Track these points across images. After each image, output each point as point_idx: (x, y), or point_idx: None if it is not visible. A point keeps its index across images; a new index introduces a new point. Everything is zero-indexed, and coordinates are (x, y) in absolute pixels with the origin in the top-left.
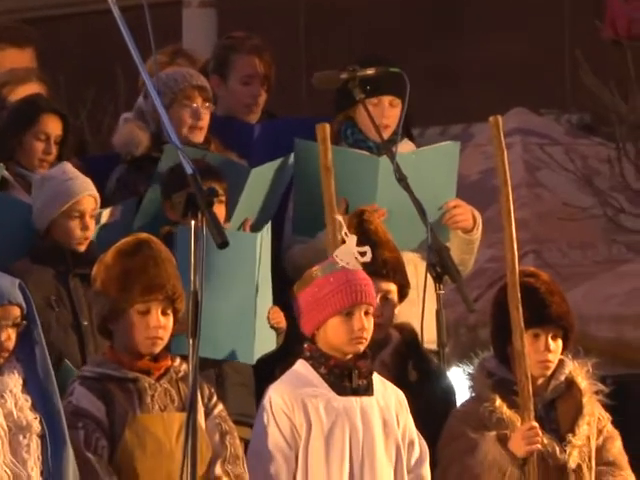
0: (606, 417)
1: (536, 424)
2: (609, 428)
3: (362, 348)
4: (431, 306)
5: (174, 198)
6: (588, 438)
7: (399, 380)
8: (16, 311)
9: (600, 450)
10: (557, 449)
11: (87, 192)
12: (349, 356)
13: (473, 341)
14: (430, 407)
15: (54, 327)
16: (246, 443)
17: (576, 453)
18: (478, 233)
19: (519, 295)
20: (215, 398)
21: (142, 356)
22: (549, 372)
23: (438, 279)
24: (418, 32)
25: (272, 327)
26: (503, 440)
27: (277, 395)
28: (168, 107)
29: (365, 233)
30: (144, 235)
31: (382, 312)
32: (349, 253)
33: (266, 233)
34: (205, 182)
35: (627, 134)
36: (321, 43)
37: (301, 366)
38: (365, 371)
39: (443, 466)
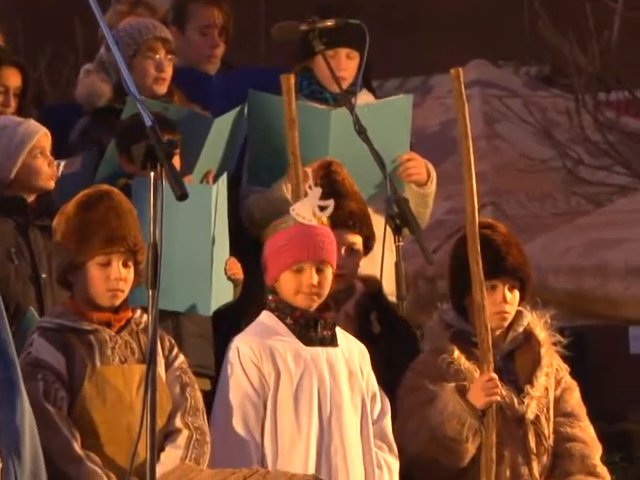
0: (564, 368)
1: (495, 375)
2: (567, 379)
3: (313, 304)
4: (390, 258)
5: (133, 150)
6: (546, 389)
7: (363, 332)
8: None
9: (558, 401)
10: (515, 400)
11: (42, 130)
12: (313, 307)
13: (432, 293)
14: (394, 359)
15: (12, 279)
16: (204, 394)
17: (534, 404)
18: (432, 187)
19: (479, 248)
20: (176, 350)
21: (102, 308)
22: (506, 323)
23: (397, 231)
24: None
25: (229, 279)
26: (462, 391)
27: (245, 345)
28: (131, 58)
29: (332, 184)
30: (105, 187)
31: (346, 264)
32: (308, 207)
33: (222, 184)
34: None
35: (586, 86)
36: None
37: (267, 317)
38: (330, 322)
39: (402, 418)
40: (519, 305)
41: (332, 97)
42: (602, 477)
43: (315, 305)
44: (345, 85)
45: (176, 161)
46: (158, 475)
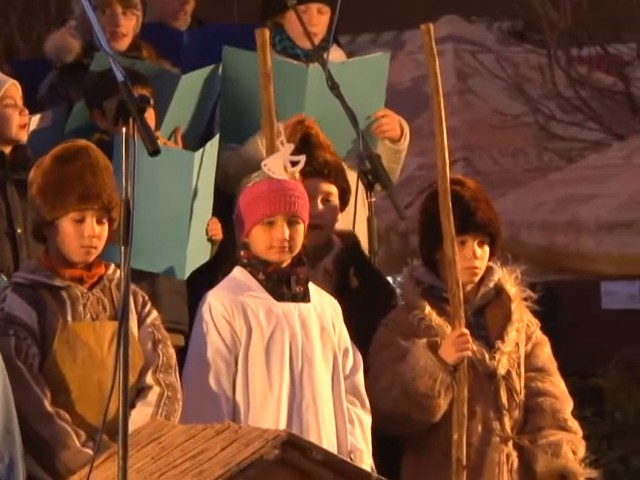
0: (535, 323)
1: (466, 331)
2: (538, 334)
3: (285, 257)
4: (362, 214)
5: (105, 105)
6: (517, 344)
7: (341, 287)
8: None
9: (529, 356)
10: (486, 356)
11: (10, 81)
12: (285, 263)
13: (404, 248)
14: (372, 314)
15: None
16: (178, 350)
17: (505, 360)
18: (405, 143)
19: (450, 202)
20: (149, 306)
21: (75, 264)
22: (477, 278)
23: (369, 187)
24: None
25: (209, 239)
26: (433, 347)
27: (216, 301)
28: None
29: (305, 137)
30: (82, 142)
31: (323, 214)
32: (279, 162)
33: (210, 147)
34: (132, 88)
35: (558, 41)
36: None
37: (239, 273)
38: (302, 278)
39: (374, 374)
40: (489, 261)
41: (303, 53)
42: (573, 431)
43: (287, 259)
44: (317, 40)
45: (151, 115)
46: (129, 431)
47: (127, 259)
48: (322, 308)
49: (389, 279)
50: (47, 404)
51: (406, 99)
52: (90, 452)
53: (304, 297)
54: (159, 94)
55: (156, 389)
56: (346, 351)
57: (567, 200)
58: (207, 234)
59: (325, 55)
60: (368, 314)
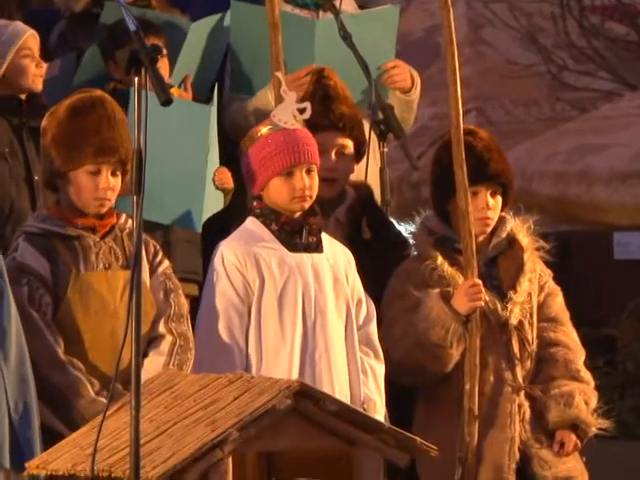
0: (547, 273)
1: (479, 281)
2: (550, 284)
3: (306, 206)
4: (374, 164)
5: (117, 55)
6: (529, 295)
7: (353, 238)
8: None
9: (541, 306)
10: (499, 306)
11: (30, 31)
12: (298, 213)
13: (416, 198)
14: (384, 264)
15: (7, 180)
16: (192, 300)
17: (517, 310)
18: (416, 93)
19: (463, 153)
20: (160, 255)
21: (88, 214)
22: (489, 229)
23: (382, 137)
24: None
25: (218, 188)
26: (446, 297)
27: (229, 251)
28: None
29: (323, 88)
30: (98, 93)
31: (337, 167)
32: (287, 111)
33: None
34: (144, 38)
35: None
36: None
37: (252, 223)
38: (315, 228)
39: (387, 324)
40: (502, 211)
41: (313, 3)
42: (586, 382)
43: (307, 206)
44: None
45: (165, 65)
46: (142, 381)
47: (139, 208)
48: (335, 258)
49: (401, 229)
50: (60, 352)
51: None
52: (104, 401)
53: (317, 247)
54: (169, 43)
55: (168, 338)
56: (359, 301)
57: (580, 150)
58: (214, 183)
59: (337, 3)
60: (380, 265)
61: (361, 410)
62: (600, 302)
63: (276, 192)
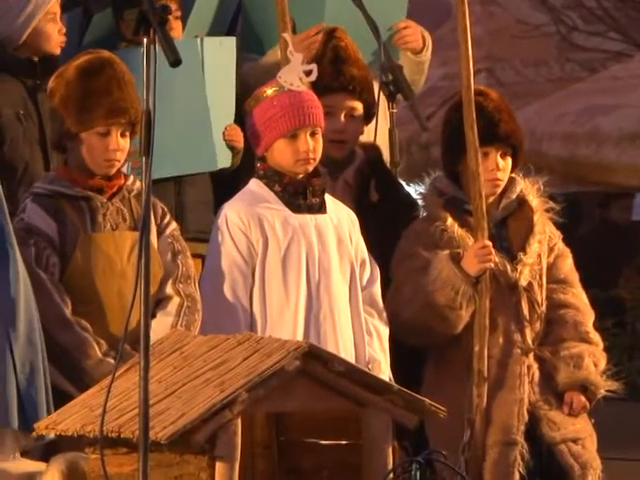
0: (557, 235)
1: (489, 242)
2: (560, 246)
3: (310, 168)
4: (384, 125)
5: (126, 15)
6: (539, 256)
7: (361, 200)
8: None
9: (551, 268)
10: (508, 267)
11: None
12: (301, 175)
13: (425, 159)
14: (392, 226)
15: (21, 141)
16: (203, 259)
17: (527, 271)
18: (428, 54)
19: (474, 113)
20: (168, 217)
21: (95, 175)
22: (499, 190)
23: (391, 98)
24: None
25: (228, 146)
26: (456, 258)
27: (233, 212)
28: None
29: (334, 49)
30: (106, 54)
31: (346, 129)
32: (293, 73)
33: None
34: None
35: None
36: None
37: (255, 185)
38: (319, 189)
39: (396, 285)
40: (512, 172)
41: None
42: (595, 343)
43: (310, 169)
44: None
45: (178, 24)
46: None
47: (148, 170)
48: (339, 219)
49: (410, 190)
50: (67, 312)
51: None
52: (112, 361)
53: (320, 208)
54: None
55: (176, 299)
56: (363, 262)
57: (589, 111)
58: (224, 138)
59: None
60: (388, 226)
61: (369, 371)
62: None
63: (280, 154)
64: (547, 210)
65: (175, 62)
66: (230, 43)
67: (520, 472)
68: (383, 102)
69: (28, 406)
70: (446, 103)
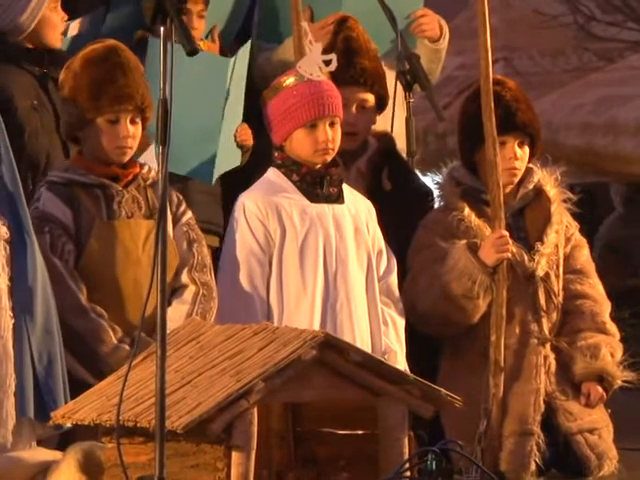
0: (574, 225)
1: (506, 232)
2: (577, 236)
3: (328, 158)
4: (401, 114)
5: (143, 4)
6: (556, 246)
7: (374, 189)
8: None
9: (568, 258)
10: (525, 257)
11: None
12: (319, 165)
13: (442, 149)
14: (405, 216)
15: (40, 132)
16: (212, 251)
17: (544, 261)
18: (445, 42)
19: (492, 103)
20: (184, 206)
21: (110, 163)
22: (516, 179)
23: (408, 87)
24: None
25: (238, 145)
26: (473, 248)
27: (250, 202)
28: None
29: (345, 40)
30: (112, 42)
31: (358, 121)
32: (313, 63)
33: (242, 52)
34: None
35: None
36: None
37: (273, 174)
38: (336, 179)
39: (413, 275)
40: (529, 162)
41: None
42: (612, 334)
43: (329, 159)
44: None
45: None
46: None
47: (165, 159)
48: (356, 209)
49: (426, 180)
50: (83, 299)
51: None
52: (127, 348)
53: (338, 198)
54: None
55: (192, 288)
56: (380, 252)
57: (606, 101)
58: (236, 139)
59: None
60: (401, 215)
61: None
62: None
63: (299, 144)
64: (564, 200)
65: (191, 52)
66: (247, 49)
67: (536, 462)
68: (400, 91)
69: (47, 396)
70: (462, 93)
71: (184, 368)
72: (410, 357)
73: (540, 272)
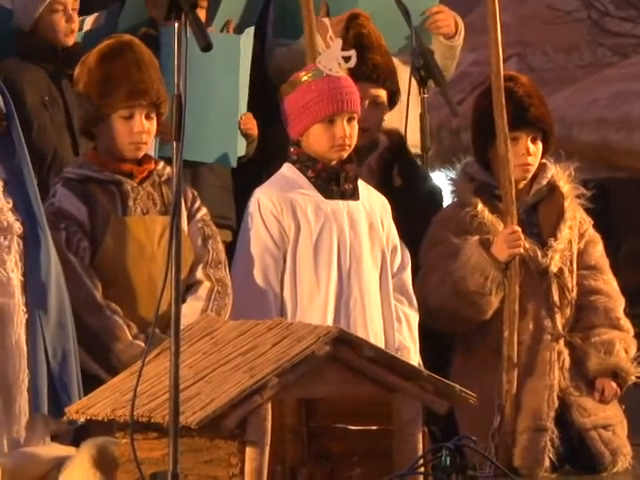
0: (588, 221)
1: (518, 228)
2: (591, 232)
3: (345, 155)
4: (415, 110)
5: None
6: (570, 242)
7: (384, 185)
8: None
9: (581, 254)
10: (539, 253)
11: None
12: (335, 161)
13: (456, 145)
14: (414, 212)
15: (49, 127)
16: (225, 246)
17: (557, 257)
18: (460, 39)
19: (504, 99)
20: (198, 202)
21: (125, 159)
22: (529, 175)
23: (422, 83)
24: None
25: (242, 134)
26: (485, 244)
27: (265, 197)
28: None
29: (357, 36)
30: (126, 37)
31: (369, 117)
32: (332, 59)
33: (246, 37)
34: None
35: None
36: None
37: (288, 169)
38: (352, 175)
39: (425, 271)
40: (542, 157)
41: None
42: (626, 330)
43: (345, 155)
44: None
45: (202, 14)
46: (181, 326)
47: (179, 154)
48: (371, 206)
49: (440, 175)
50: (98, 296)
51: None
52: (142, 344)
53: (353, 195)
54: None
55: (206, 284)
56: (394, 248)
57: (620, 96)
58: (240, 127)
59: None
60: (410, 212)
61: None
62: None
63: (316, 139)
64: (578, 196)
65: (206, 47)
66: (251, 32)
67: (550, 458)
68: (414, 87)
69: (61, 391)
70: (476, 89)
71: (198, 364)
72: (423, 353)
73: (554, 268)
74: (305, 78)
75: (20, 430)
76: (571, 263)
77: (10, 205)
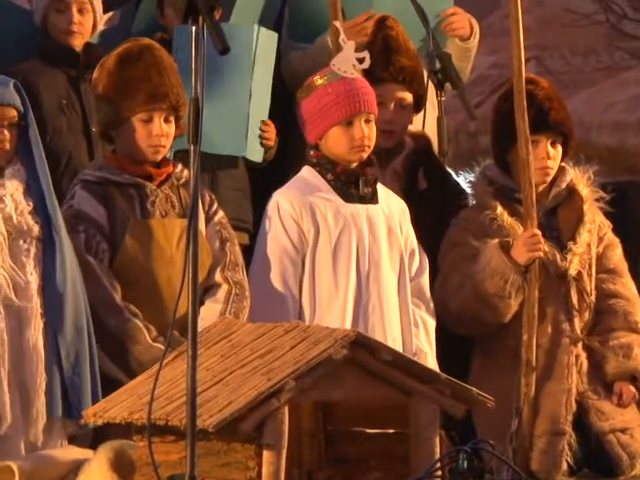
0: (607, 224)
1: (538, 231)
2: (610, 235)
3: (364, 156)
4: (432, 113)
5: (175, 3)
6: (589, 245)
7: (410, 188)
8: (11, 112)
9: (600, 258)
10: (558, 257)
11: None
12: (355, 164)
13: (473, 148)
14: (440, 215)
15: (65, 131)
16: (242, 249)
17: (577, 261)
18: (475, 41)
19: (525, 103)
20: (216, 205)
21: (144, 162)
22: (549, 178)
23: (439, 86)
24: None
25: (261, 143)
26: (505, 247)
27: (285, 200)
28: None
29: (385, 39)
30: (146, 40)
31: (395, 119)
32: (347, 60)
33: (267, 37)
34: None
35: None
36: None
37: (308, 172)
38: (371, 178)
39: (444, 274)
40: (562, 161)
41: None
42: None
43: (365, 156)
44: None
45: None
46: (199, 329)
47: (197, 158)
48: (390, 210)
49: (459, 179)
50: (117, 298)
51: None
52: (161, 347)
53: (372, 198)
54: None
55: (224, 287)
56: (412, 253)
57: (638, 99)
58: (259, 131)
59: None
60: (436, 215)
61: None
62: None
63: (335, 142)
64: (597, 199)
65: (223, 50)
66: (276, 38)
67: (568, 462)
68: (431, 90)
69: (72, 393)
70: (495, 92)
71: (215, 367)
72: (441, 357)
73: (573, 271)
74: (320, 82)
75: (37, 433)
76: (590, 267)
77: (30, 208)
